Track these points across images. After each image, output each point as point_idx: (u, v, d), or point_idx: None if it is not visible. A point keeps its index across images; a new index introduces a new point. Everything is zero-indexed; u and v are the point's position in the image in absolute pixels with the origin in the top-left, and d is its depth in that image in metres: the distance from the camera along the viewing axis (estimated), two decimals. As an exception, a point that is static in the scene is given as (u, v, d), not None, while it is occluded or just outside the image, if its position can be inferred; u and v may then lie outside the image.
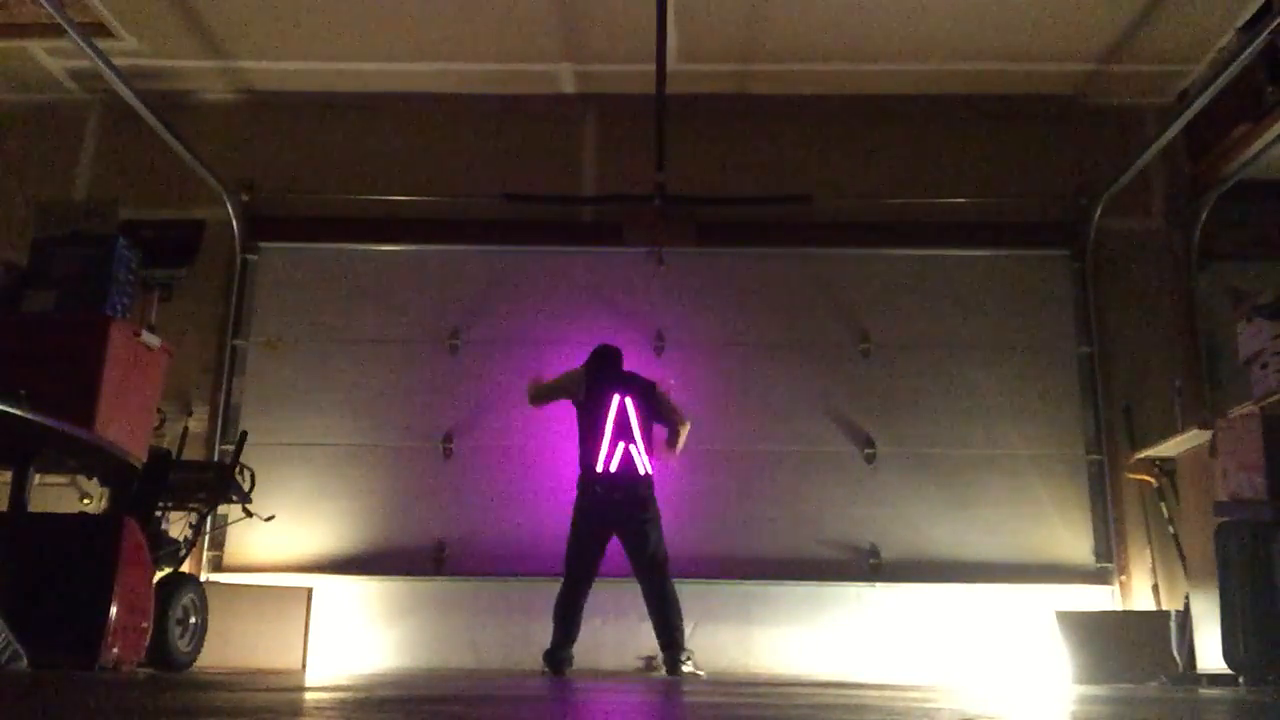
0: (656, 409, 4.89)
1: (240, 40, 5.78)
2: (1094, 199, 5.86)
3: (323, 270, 6.06)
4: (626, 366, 5.09)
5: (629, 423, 4.76)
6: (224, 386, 5.84)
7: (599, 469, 4.71)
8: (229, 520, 5.16)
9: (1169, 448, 5.03)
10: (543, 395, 4.97)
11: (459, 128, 6.26)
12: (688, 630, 4.79)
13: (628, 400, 4.81)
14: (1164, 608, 5.26)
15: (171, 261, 5.90)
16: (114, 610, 3.37)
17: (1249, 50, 4.60)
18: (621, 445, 4.73)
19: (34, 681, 2.79)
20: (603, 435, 4.74)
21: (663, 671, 4.69)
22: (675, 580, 4.73)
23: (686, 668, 4.54)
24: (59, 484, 5.29)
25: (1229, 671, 3.73)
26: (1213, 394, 5.57)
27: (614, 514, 4.69)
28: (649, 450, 4.78)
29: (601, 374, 4.94)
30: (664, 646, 4.60)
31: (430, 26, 5.60)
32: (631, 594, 4.71)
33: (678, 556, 4.89)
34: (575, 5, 5.39)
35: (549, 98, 6.22)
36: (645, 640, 4.91)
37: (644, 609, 4.67)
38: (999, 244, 5.98)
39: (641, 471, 4.71)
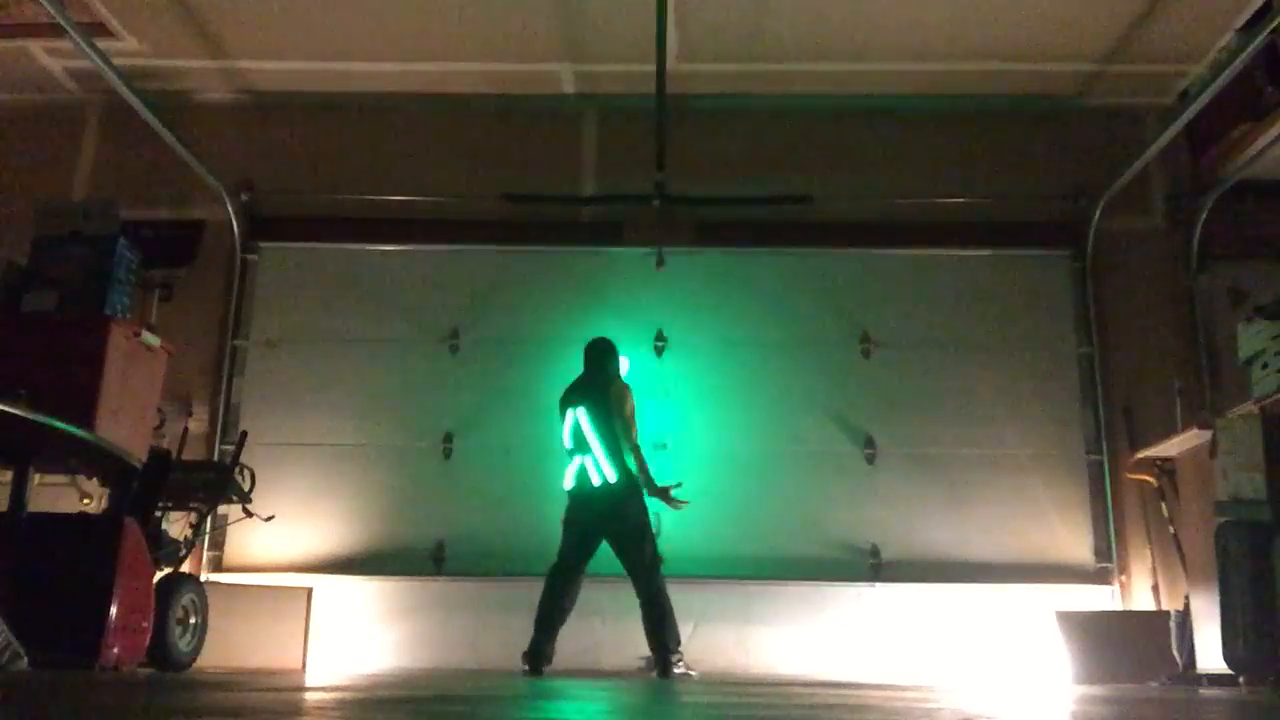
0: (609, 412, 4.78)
1: (240, 40, 5.78)
2: (1094, 199, 5.86)
3: (323, 270, 6.06)
4: (629, 366, 5.12)
5: (582, 436, 4.79)
6: (224, 386, 5.85)
7: (564, 484, 4.84)
8: (229, 520, 5.16)
9: (1169, 448, 5.02)
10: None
11: (459, 128, 6.26)
12: (688, 631, 4.79)
13: (579, 412, 4.83)
14: (1164, 608, 5.26)
15: (171, 261, 5.94)
16: (114, 610, 3.37)
17: (1249, 50, 4.60)
18: (577, 460, 4.79)
19: (34, 681, 2.79)
20: (568, 452, 4.85)
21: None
22: (675, 580, 4.72)
23: (678, 669, 4.54)
24: (59, 484, 5.29)
25: (1229, 671, 3.74)
26: (1213, 394, 5.57)
27: (585, 523, 4.73)
28: (616, 453, 4.69)
29: (569, 389, 5.00)
30: (653, 649, 4.59)
31: (430, 26, 5.60)
32: (631, 594, 4.70)
33: (678, 556, 4.90)
34: (575, 5, 5.39)
35: (549, 98, 6.22)
36: (645, 640, 4.90)
37: (644, 609, 4.66)
38: (999, 244, 5.98)
39: (596, 481, 4.70)
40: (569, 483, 4.81)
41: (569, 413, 4.88)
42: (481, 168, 6.15)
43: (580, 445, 4.78)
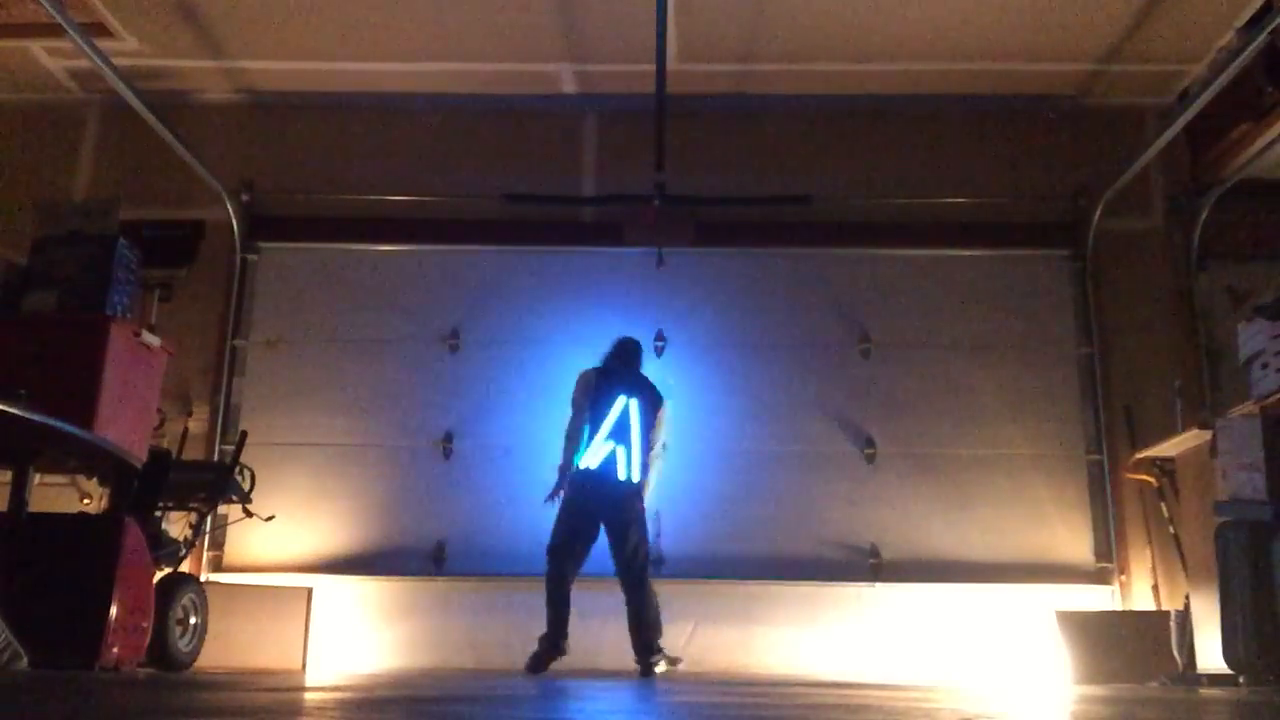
0: (654, 424, 4.91)
1: (240, 40, 5.78)
2: (1094, 199, 5.86)
3: (323, 270, 6.06)
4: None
5: (628, 426, 4.77)
6: (224, 386, 5.84)
7: (582, 464, 4.75)
8: (229, 520, 5.16)
9: (1169, 448, 5.02)
10: (573, 426, 4.90)
11: (459, 128, 6.26)
12: (688, 631, 4.79)
13: (634, 403, 4.82)
14: (1164, 608, 5.26)
15: (171, 261, 5.94)
16: (114, 610, 3.37)
17: (1249, 50, 4.60)
18: (610, 445, 4.75)
19: (34, 681, 2.79)
20: (599, 432, 4.78)
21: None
22: (675, 580, 4.73)
23: (659, 668, 4.54)
24: (59, 484, 5.29)
25: (1229, 671, 3.74)
26: (1213, 394, 5.57)
27: (594, 508, 4.72)
28: (644, 455, 4.79)
29: (615, 373, 4.96)
30: (636, 649, 4.59)
31: (430, 27, 5.59)
32: (631, 594, 4.70)
33: (678, 556, 4.89)
34: (575, 5, 5.39)
35: (549, 98, 6.22)
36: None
37: (643, 610, 4.65)
38: (999, 244, 5.98)
39: (622, 476, 4.70)
40: (592, 463, 4.74)
41: (621, 398, 4.83)
42: (481, 168, 6.15)
43: (621, 434, 4.77)
